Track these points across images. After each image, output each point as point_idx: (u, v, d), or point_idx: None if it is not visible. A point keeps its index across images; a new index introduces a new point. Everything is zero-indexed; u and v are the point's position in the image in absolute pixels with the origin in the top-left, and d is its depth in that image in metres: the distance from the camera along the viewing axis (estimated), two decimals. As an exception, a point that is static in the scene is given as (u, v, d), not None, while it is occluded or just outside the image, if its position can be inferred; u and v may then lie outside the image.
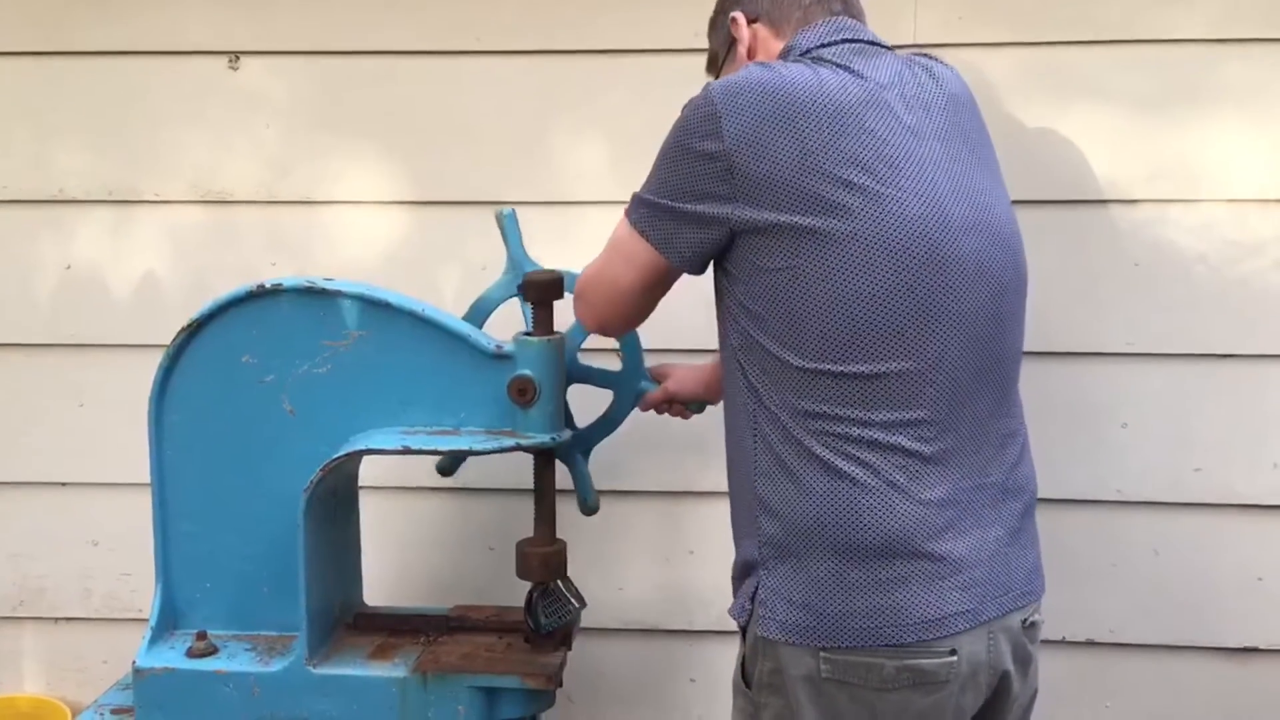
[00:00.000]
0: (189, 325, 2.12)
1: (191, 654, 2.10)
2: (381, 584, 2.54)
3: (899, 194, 1.69)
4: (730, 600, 1.86)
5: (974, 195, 1.76)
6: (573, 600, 2.16)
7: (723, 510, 1.91)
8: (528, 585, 2.17)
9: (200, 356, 2.12)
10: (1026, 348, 1.89)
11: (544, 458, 2.17)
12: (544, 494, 2.18)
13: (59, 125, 2.65)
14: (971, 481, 1.74)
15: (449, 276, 2.61)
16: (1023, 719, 1.88)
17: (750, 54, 1.92)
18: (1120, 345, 2.53)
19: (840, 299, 1.68)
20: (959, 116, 1.82)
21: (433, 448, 2.07)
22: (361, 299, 2.09)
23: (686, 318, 2.26)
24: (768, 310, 1.72)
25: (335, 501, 2.20)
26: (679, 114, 1.78)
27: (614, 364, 2.27)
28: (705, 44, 2.10)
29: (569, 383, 2.19)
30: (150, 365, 2.14)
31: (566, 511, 2.26)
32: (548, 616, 2.14)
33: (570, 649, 2.19)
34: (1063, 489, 2.51)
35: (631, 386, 2.26)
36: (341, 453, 2.04)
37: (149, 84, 2.63)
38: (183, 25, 2.61)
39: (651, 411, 2.29)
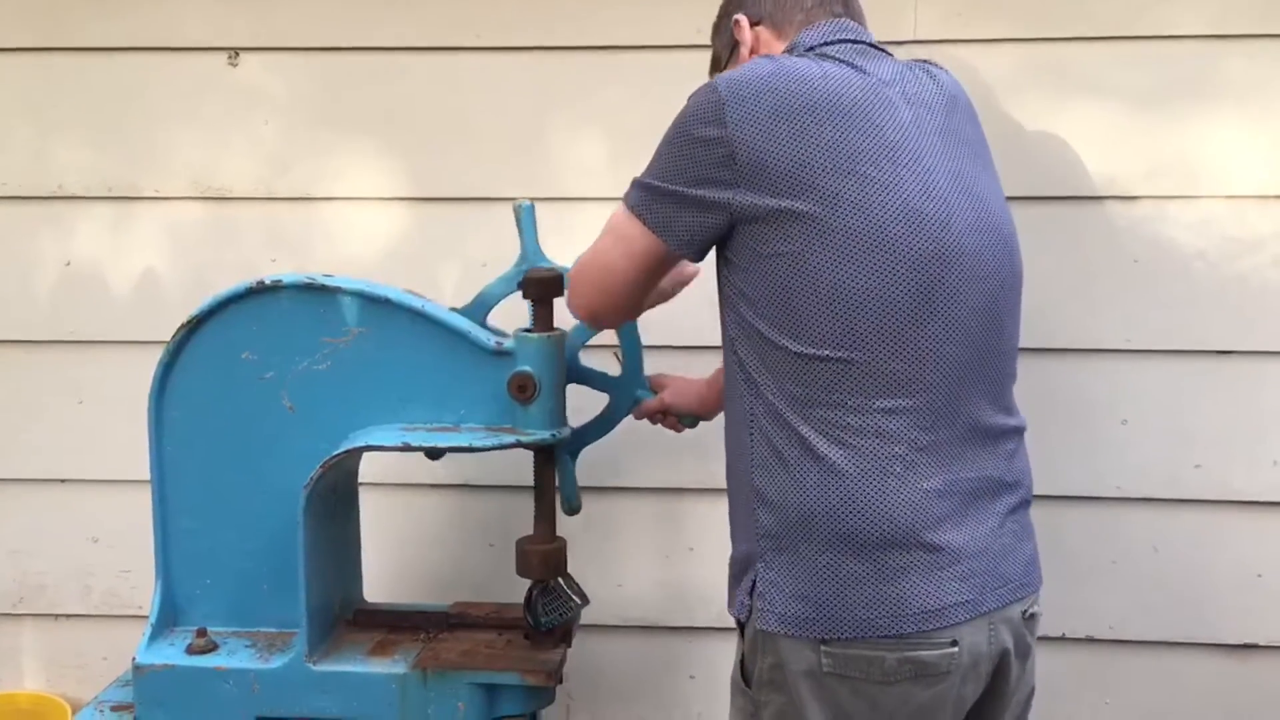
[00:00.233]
0: (188, 322, 2.12)
1: (191, 650, 2.10)
2: (381, 581, 2.54)
3: (899, 185, 1.70)
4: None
5: (973, 191, 1.77)
6: (574, 597, 2.16)
7: (722, 507, 1.90)
8: (527, 582, 2.17)
9: (200, 353, 2.12)
10: (1025, 344, 1.89)
11: (544, 455, 2.17)
12: (544, 491, 2.18)
13: (58, 121, 2.65)
14: (968, 473, 1.74)
15: (449, 273, 2.60)
16: (1020, 716, 1.88)
17: (753, 56, 1.92)
18: (1119, 342, 2.53)
19: (839, 286, 1.68)
20: (957, 117, 1.84)
21: (432, 444, 2.07)
22: (361, 295, 2.09)
23: (687, 317, 2.26)
24: (766, 296, 1.72)
25: (335, 498, 2.20)
26: (683, 105, 1.78)
27: (614, 367, 2.26)
28: (705, 40, 2.09)
29: (567, 382, 2.18)
30: (150, 362, 2.14)
31: (566, 509, 2.26)
32: (547, 614, 2.14)
33: (570, 646, 2.19)
34: (1062, 486, 2.51)
35: (629, 393, 2.26)
36: (341, 449, 2.04)
37: (148, 80, 2.63)
38: (182, 22, 2.61)
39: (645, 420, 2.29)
